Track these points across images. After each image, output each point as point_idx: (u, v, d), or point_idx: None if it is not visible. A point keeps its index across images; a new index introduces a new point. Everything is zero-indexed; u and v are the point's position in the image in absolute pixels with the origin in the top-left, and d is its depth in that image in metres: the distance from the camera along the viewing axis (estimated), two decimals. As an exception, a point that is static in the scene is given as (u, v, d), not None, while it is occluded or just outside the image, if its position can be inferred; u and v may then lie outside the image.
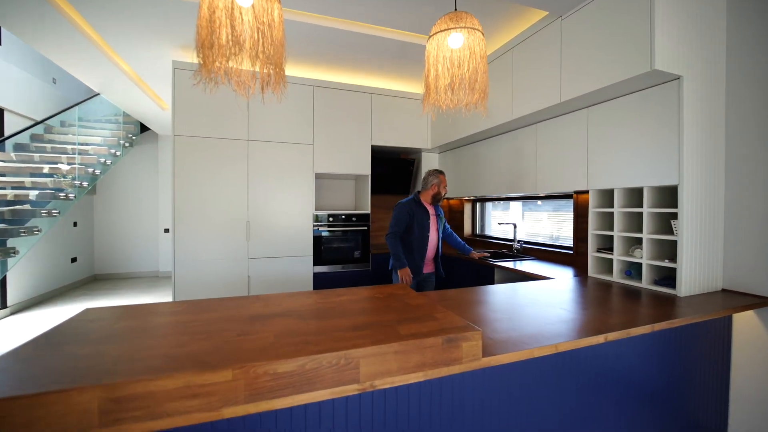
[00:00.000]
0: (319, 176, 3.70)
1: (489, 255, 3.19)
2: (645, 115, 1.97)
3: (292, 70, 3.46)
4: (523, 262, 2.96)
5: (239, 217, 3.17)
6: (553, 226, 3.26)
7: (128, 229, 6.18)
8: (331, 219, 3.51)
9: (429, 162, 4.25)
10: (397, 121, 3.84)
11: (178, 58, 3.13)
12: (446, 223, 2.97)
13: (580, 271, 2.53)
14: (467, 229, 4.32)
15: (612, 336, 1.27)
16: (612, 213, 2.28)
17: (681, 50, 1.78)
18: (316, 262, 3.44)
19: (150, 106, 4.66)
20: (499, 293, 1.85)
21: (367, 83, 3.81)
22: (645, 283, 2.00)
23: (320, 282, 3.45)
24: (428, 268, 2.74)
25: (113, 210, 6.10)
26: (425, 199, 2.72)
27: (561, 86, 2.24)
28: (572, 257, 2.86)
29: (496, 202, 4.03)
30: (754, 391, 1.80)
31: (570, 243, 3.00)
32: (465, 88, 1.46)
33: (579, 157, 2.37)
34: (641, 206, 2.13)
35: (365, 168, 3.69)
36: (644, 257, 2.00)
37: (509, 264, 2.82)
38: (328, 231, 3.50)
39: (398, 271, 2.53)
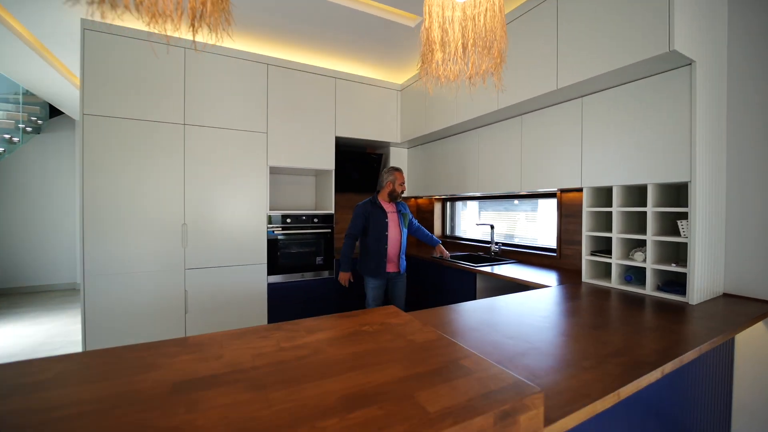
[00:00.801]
0: (274, 171, 3.19)
1: (449, 256, 2.94)
2: (650, 105, 1.78)
3: (241, 43, 2.92)
4: (503, 265, 2.73)
5: (173, 218, 2.57)
6: (530, 226, 3.07)
7: (36, 233, 5.07)
8: (288, 220, 3.02)
9: (397, 158, 3.91)
10: (364, 111, 3.43)
11: (89, 16, 2.45)
12: (412, 219, 2.81)
13: (568, 275, 2.33)
14: (437, 230, 4.05)
15: (668, 368, 1.00)
16: (608, 213, 2.09)
17: (696, 33, 1.60)
18: (271, 271, 2.93)
19: (58, 83, 3.78)
20: (500, 310, 1.53)
21: (332, 65, 3.36)
22: (649, 289, 1.81)
23: (276, 293, 2.95)
24: (392, 267, 2.59)
25: (14, 210, 4.96)
26: (382, 198, 2.65)
27: (557, 72, 2.00)
28: (555, 260, 2.68)
29: (466, 201, 3.80)
30: (757, 400, 1.68)
31: (549, 244, 2.83)
32: (475, 51, 1.12)
33: (571, 152, 2.16)
34: (641, 205, 1.95)
35: (328, 162, 3.24)
36: (648, 261, 1.81)
37: (488, 269, 2.57)
38: (285, 234, 3.01)
39: (340, 273, 2.61)
